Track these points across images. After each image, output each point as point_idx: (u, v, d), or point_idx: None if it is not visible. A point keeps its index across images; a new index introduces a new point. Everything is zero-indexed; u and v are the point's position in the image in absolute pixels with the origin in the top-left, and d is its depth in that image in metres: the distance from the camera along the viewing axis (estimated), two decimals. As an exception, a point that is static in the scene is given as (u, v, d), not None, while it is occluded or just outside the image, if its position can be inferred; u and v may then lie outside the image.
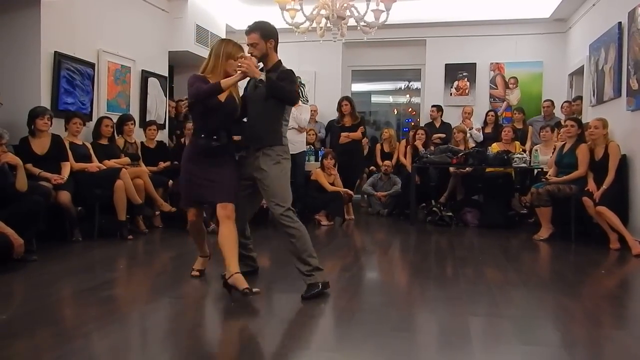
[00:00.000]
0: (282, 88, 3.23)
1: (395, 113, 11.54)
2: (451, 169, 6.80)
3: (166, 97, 7.04)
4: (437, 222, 6.40)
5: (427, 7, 7.76)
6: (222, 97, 3.28)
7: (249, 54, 3.31)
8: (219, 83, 3.17)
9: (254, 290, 3.06)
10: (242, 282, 3.07)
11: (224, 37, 8.04)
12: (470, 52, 8.44)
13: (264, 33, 3.34)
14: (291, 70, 3.36)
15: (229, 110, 3.36)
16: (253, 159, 3.37)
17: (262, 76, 3.18)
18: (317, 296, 3.12)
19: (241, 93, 3.55)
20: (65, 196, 4.66)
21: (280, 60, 3.42)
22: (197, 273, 3.68)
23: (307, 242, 3.26)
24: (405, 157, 7.43)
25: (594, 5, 6.63)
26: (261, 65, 3.40)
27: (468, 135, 7.38)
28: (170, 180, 5.94)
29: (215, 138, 3.32)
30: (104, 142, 5.51)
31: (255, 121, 3.38)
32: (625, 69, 5.40)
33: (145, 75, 6.57)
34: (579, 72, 7.35)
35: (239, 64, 3.15)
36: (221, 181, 3.32)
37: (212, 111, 3.29)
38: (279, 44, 3.43)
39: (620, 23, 5.54)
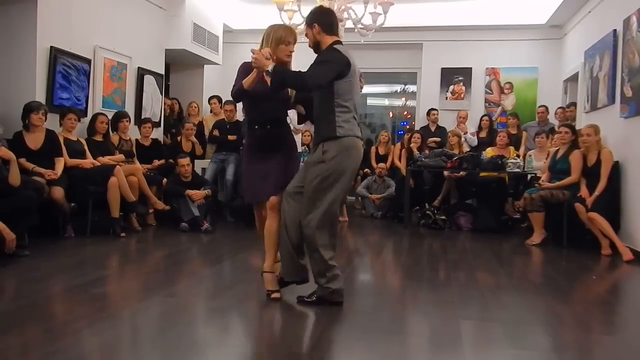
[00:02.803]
0: (284, 74, 2.99)
1: (391, 116, 11.55)
2: (445, 172, 6.82)
3: (162, 95, 7.02)
4: (430, 225, 6.41)
5: (424, 11, 7.79)
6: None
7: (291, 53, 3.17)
8: (242, 85, 3.04)
9: (273, 295, 3.11)
10: (268, 283, 3.14)
11: (221, 36, 8.04)
12: (466, 56, 8.46)
13: (307, 21, 3.15)
14: (333, 48, 3.05)
15: (280, 98, 3.18)
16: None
17: (270, 67, 2.94)
18: (316, 303, 3.04)
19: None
20: (58, 192, 4.64)
21: (333, 42, 3.09)
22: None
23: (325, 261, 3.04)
24: (399, 160, 7.44)
25: (589, 12, 6.67)
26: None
27: (462, 139, 7.41)
28: (165, 178, 5.92)
29: (269, 128, 3.17)
30: (99, 138, 5.49)
31: (314, 114, 3.18)
32: (619, 76, 5.43)
33: (141, 73, 6.54)
34: (574, 78, 7.39)
35: (252, 60, 2.97)
36: (269, 173, 3.17)
37: (260, 101, 3.14)
38: None
39: (615, 30, 5.58)
